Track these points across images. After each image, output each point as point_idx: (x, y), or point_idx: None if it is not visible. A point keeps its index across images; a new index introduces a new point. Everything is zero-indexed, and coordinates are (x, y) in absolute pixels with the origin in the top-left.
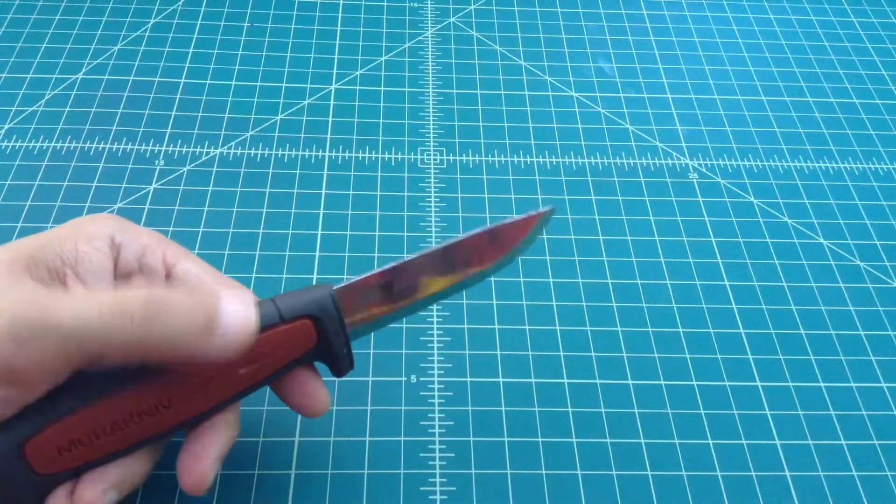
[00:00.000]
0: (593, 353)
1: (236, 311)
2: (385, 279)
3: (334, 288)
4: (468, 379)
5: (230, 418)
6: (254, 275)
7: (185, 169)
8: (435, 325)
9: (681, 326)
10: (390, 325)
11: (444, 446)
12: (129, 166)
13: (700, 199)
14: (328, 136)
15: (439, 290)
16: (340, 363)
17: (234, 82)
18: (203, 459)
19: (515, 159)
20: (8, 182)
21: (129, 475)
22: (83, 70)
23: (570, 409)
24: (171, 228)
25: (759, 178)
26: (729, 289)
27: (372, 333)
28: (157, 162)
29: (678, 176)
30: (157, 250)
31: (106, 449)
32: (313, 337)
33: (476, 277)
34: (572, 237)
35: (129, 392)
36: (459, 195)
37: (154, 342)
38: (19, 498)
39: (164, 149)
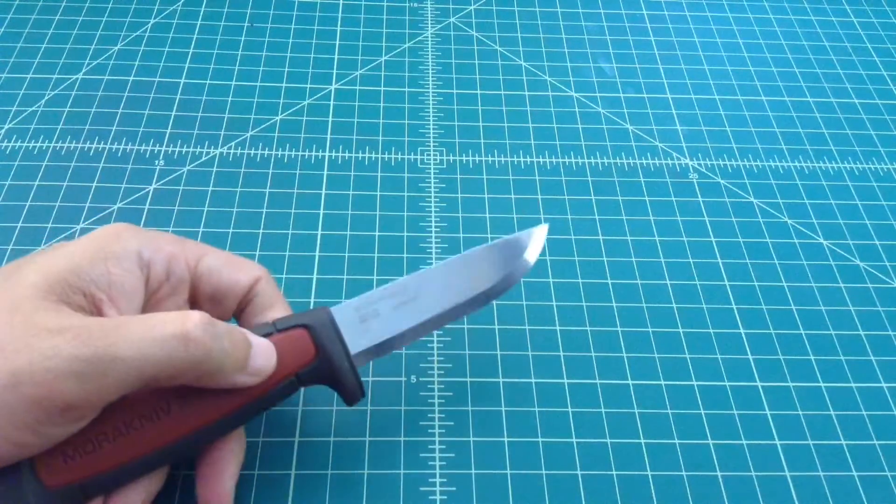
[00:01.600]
0: (593, 353)
1: (264, 355)
2: (385, 294)
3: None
4: (468, 379)
5: (235, 448)
6: None
7: (185, 169)
8: None
9: (681, 326)
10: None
11: (444, 446)
12: (129, 166)
13: (700, 199)
14: (328, 136)
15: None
16: (344, 380)
17: (234, 82)
18: (221, 490)
19: (515, 159)
20: (8, 182)
21: (150, 490)
22: (83, 70)
23: (569, 409)
24: (171, 228)
25: (759, 178)
26: (729, 289)
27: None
28: (157, 162)
29: (678, 176)
30: (179, 257)
31: (110, 460)
32: (310, 349)
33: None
34: (572, 237)
35: (129, 397)
36: (459, 195)
37: (205, 368)
38: None
39: (164, 149)
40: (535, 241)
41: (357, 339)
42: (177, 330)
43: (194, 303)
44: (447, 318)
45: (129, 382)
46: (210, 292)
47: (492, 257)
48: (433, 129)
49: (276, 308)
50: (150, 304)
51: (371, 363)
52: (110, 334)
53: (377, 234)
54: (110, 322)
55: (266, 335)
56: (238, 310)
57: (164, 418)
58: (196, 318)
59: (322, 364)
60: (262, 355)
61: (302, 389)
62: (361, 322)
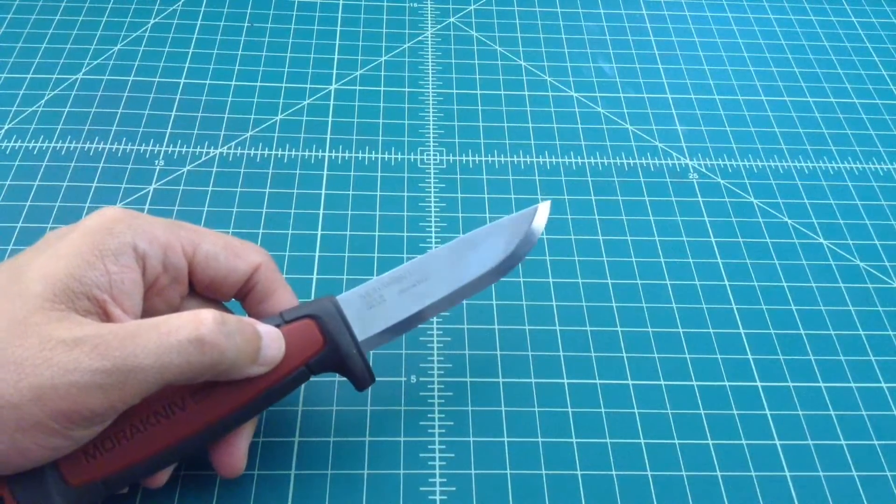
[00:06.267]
0: (593, 354)
1: (274, 345)
2: (391, 280)
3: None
4: (468, 379)
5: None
6: None
7: (185, 169)
8: (435, 325)
9: (681, 326)
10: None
11: (444, 446)
12: (129, 166)
13: (700, 199)
14: (328, 136)
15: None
16: (354, 367)
17: (234, 82)
18: (234, 450)
19: (515, 159)
20: (8, 182)
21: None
22: (83, 70)
23: (569, 409)
24: None
25: (759, 178)
26: (729, 289)
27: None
28: (157, 162)
29: (678, 176)
30: (175, 247)
31: (129, 456)
32: (318, 338)
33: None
34: (572, 237)
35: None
36: (459, 195)
37: (221, 367)
38: None
39: (164, 149)
40: (539, 217)
41: (364, 326)
42: (191, 335)
43: (193, 289)
44: (455, 299)
45: (150, 388)
46: (208, 282)
47: (496, 235)
48: (433, 129)
49: (279, 294)
50: (150, 295)
51: (371, 363)
52: (127, 344)
53: (377, 234)
54: (124, 330)
55: (274, 326)
56: (239, 296)
57: (179, 413)
58: (209, 319)
59: (331, 353)
60: (272, 345)
61: (302, 390)
62: (368, 309)
